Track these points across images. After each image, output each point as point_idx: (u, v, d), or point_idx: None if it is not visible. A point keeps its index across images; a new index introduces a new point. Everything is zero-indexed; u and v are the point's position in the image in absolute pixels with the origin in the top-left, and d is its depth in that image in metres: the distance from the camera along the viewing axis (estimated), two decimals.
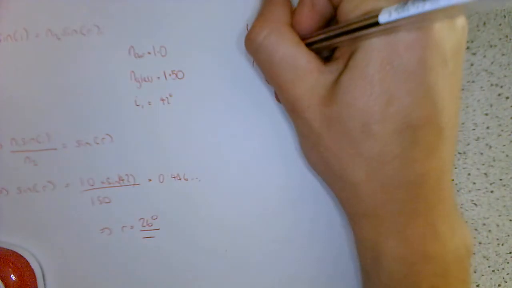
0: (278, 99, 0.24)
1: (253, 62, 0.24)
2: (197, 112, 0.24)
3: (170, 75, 0.24)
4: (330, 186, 0.22)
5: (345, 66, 0.18)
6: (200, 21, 0.24)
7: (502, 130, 0.28)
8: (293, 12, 0.20)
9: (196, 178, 0.25)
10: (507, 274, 0.30)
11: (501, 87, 0.27)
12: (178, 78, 0.24)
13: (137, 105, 0.24)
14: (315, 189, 0.25)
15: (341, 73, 0.18)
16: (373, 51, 0.17)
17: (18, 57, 0.23)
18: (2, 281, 0.23)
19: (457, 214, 0.20)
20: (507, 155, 0.28)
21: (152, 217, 0.25)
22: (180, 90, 0.24)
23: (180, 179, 0.25)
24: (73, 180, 0.24)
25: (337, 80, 0.18)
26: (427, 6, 0.13)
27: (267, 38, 0.19)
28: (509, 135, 0.28)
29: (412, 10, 0.13)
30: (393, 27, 0.15)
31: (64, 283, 0.25)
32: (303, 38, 0.20)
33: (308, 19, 0.20)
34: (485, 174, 0.28)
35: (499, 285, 0.30)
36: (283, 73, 0.19)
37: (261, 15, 0.20)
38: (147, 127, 0.24)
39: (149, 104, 0.24)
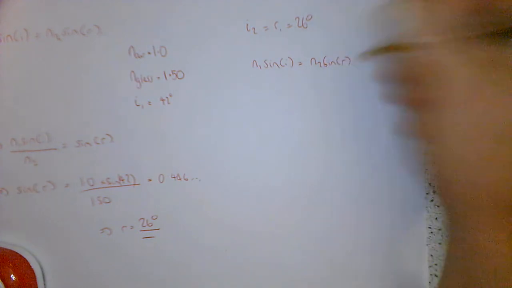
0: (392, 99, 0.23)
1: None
2: (197, 112, 0.24)
3: (170, 75, 0.24)
4: None
5: None
6: (200, 21, 0.24)
7: None
8: None
9: (196, 178, 0.25)
10: None
11: None
12: (178, 78, 0.24)
13: (137, 105, 0.24)
14: (315, 190, 0.25)
15: None
16: None
17: (18, 57, 0.23)
18: (2, 281, 0.23)
19: None
20: None
21: (152, 217, 0.25)
22: (180, 90, 0.24)
23: (180, 179, 0.25)
24: (73, 180, 0.24)
25: None
26: None
27: None
28: None
29: None
30: None
31: (64, 283, 0.25)
32: None
33: None
34: None
35: None
36: None
37: None
38: (147, 127, 0.24)
39: (149, 104, 0.24)
